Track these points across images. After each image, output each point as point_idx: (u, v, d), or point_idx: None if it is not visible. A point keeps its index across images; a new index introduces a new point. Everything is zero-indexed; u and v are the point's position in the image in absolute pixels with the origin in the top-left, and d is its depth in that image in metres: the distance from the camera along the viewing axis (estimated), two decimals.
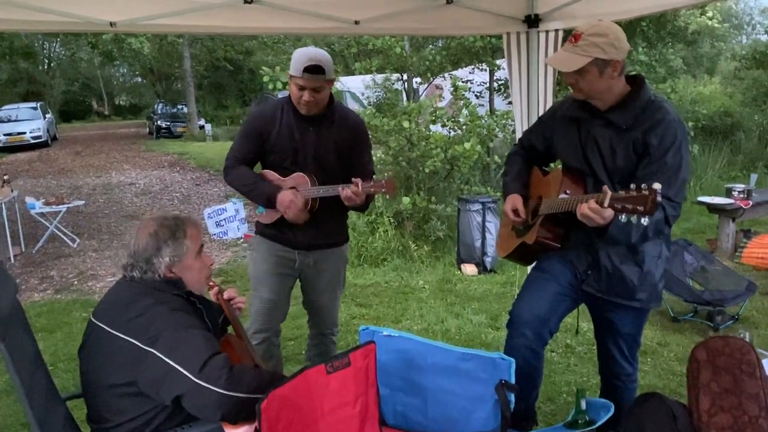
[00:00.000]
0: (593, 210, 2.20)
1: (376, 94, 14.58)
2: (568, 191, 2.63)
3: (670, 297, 4.97)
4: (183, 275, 2.13)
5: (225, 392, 1.85)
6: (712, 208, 6.56)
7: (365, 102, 14.57)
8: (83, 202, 9.72)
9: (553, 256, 2.72)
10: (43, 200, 8.56)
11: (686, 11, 11.89)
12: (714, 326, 4.68)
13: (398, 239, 6.98)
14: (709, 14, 16.80)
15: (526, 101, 3.78)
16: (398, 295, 5.86)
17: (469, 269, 6.45)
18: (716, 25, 14.46)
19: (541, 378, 2.76)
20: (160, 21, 2.71)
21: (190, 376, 1.85)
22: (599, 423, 2.38)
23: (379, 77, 13.73)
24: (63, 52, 36.40)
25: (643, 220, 2.04)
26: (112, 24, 2.62)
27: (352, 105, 14.09)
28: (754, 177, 6.72)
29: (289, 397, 1.85)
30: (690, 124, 9.07)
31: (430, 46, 8.61)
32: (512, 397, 1.99)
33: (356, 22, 3.21)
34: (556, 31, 3.66)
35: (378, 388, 2.14)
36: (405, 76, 9.37)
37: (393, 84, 12.80)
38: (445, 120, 7.19)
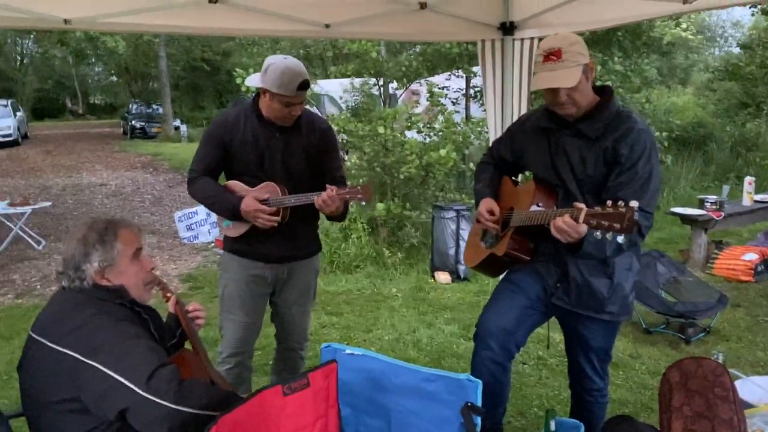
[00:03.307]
0: (568, 225, 2.14)
1: (354, 98, 14.51)
2: (540, 204, 2.58)
3: (642, 308, 4.95)
4: (121, 281, 2.01)
5: (173, 406, 1.73)
6: (685, 219, 6.57)
7: (343, 106, 14.48)
8: (50, 203, 9.47)
9: (523, 269, 2.66)
10: (8, 201, 8.32)
11: (661, 22, 12.03)
12: (685, 339, 4.65)
13: (372, 246, 6.89)
14: (684, 26, 17.02)
15: (500, 109, 3.72)
16: (370, 303, 5.76)
17: (443, 277, 6.38)
18: (690, 36, 14.66)
19: (509, 392, 2.68)
20: (119, 19, 2.58)
21: (136, 388, 1.74)
22: None
23: (357, 81, 13.68)
24: (36, 49, 35.72)
25: (618, 237, 1.98)
26: (66, 21, 2.48)
27: (330, 108, 13.97)
28: (726, 188, 6.76)
29: (241, 421, 1.74)
30: (664, 134, 9.12)
31: (406, 52, 8.54)
32: (478, 421, 1.91)
33: (327, 26, 3.12)
34: (531, 39, 3.61)
35: (339, 410, 2.04)
36: (381, 81, 9.29)
37: (371, 88, 12.75)
38: (421, 126, 7.12)
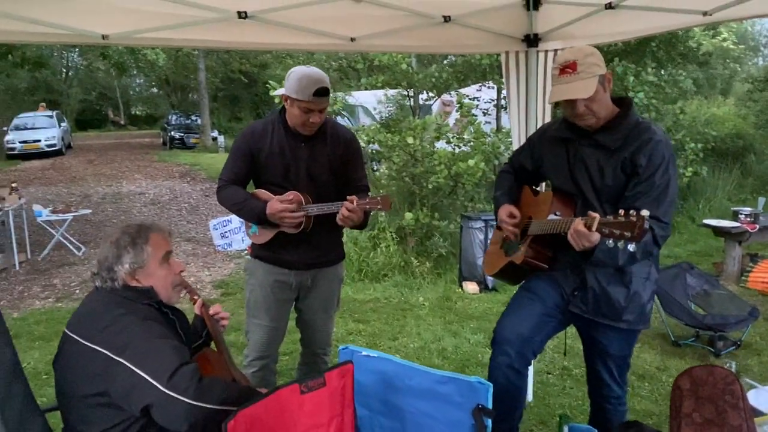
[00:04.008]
0: (580, 233, 2.19)
1: (389, 108, 14.62)
2: (558, 213, 2.61)
3: (672, 321, 4.90)
4: (150, 283, 2.12)
5: (193, 402, 1.83)
6: (718, 231, 6.48)
7: (377, 117, 14.62)
8: (90, 210, 9.80)
9: (541, 276, 2.70)
10: (51, 208, 8.64)
11: (700, 32, 11.86)
12: (715, 352, 4.60)
13: (400, 255, 6.95)
14: (724, 35, 16.68)
15: (525, 120, 3.75)
16: (397, 311, 5.83)
17: (471, 287, 6.40)
18: (731, 46, 14.37)
19: (525, 397, 2.72)
20: (153, 35, 2.72)
21: (159, 385, 1.84)
22: None
23: (392, 92, 13.79)
24: (81, 62, 36.86)
25: (630, 246, 2.01)
26: (104, 37, 2.63)
27: (364, 119, 14.09)
28: (761, 200, 6.62)
29: (259, 416, 1.82)
30: (699, 145, 8.99)
31: (437, 63, 8.61)
32: (489, 423, 1.95)
33: (352, 39, 3.21)
34: (555, 51, 3.64)
35: (355, 409, 2.11)
36: (412, 92, 9.37)
37: (403, 99, 12.83)
38: (450, 137, 7.18)
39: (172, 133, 25.96)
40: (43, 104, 27.27)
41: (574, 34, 3.51)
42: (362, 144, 7.59)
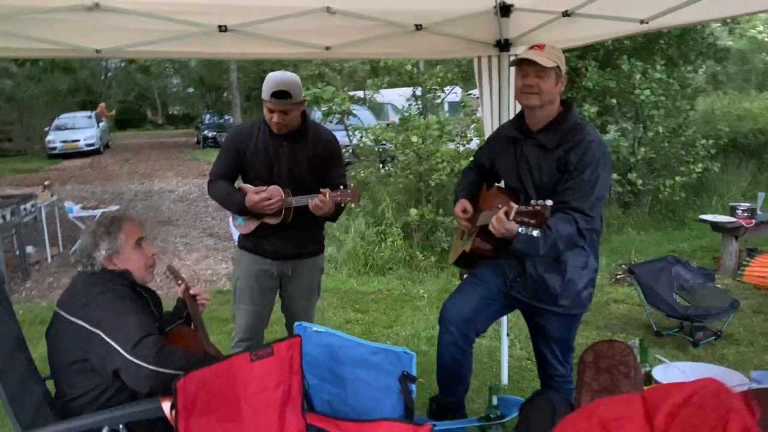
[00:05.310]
0: (499, 220, 2.45)
1: (417, 106, 14.91)
2: (500, 205, 2.87)
3: (654, 311, 5.08)
4: (126, 266, 2.46)
5: (154, 368, 2.16)
6: (715, 226, 6.58)
7: (406, 115, 14.94)
8: (118, 207, 10.30)
9: (488, 264, 2.96)
10: (81, 205, 9.15)
11: (722, 26, 11.82)
12: (693, 342, 4.76)
13: (405, 249, 7.23)
14: (759, 28, 16.40)
15: (497, 121, 3.97)
16: (397, 302, 6.10)
17: None
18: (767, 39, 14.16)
19: (470, 373, 2.98)
20: (142, 48, 3.05)
21: (124, 352, 2.18)
22: (509, 417, 2.59)
23: (419, 90, 14.05)
24: (119, 64, 37.99)
25: (534, 232, 2.28)
26: (97, 51, 2.98)
27: (394, 117, 14.40)
28: (761, 195, 6.69)
29: (210, 379, 2.13)
30: (710, 141, 9.04)
31: (440, 65, 8.84)
32: (413, 387, 2.23)
33: (327, 48, 3.50)
34: None
35: (305, 378, 2.40)
36: (420, 92, 9.63)
37: (434, 98, 13.10)
38: (453, 135, 7.42)
39: (205, 132, 26.64)
40: (103, 104, 28.29)
41: (540, 40, 3.73)
42: (370, 143, 7.90)
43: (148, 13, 2.88)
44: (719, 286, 6.01)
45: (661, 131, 8.67)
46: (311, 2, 3.18)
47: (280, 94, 3.07)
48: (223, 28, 3.13)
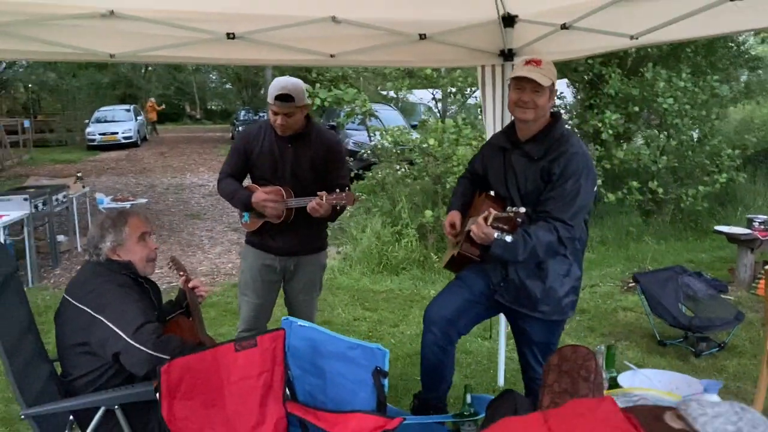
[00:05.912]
0: (478, 225, 2.56)
1: (451, 107, 15.04)
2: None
3: (659, 321, 5.11)
4: (129, 258, 2.65)
5: (151, 352, 2.35)
6: (730, 238, 6.55)
7: (438, 114, 15.08)
8: (146, 200, 10.65)
9: (474, 267, 3.07)
10: (112, 196, 9.50)
11: (754, 36, 11.63)
12: (695, 352, 4.78)
13: (420, 250, 7.35)
14: None
15: (500, 128, 4.08)
16: (406, 302, 6.23)
17: None
18: None
19: (452, 372, 3.10)
20: (154, 53, 3.25)
21: (125, 337, 2.37)
22: (482, 415, 2.70)
23: (452, 89, 14.14)
24: None
25: (508, 237, 2.39)
26: (111, 56, 3.19)
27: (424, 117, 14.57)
28: None
29: (194, 365, 2.30)
30: (737, 151, 8.94)
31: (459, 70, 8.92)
32: (385, 382, 2.37)
33: (332, 56, 3.65)
34: None
35: (288, 369, 2.55)
36: (439, 95, 9.73)
37: (467, 98, 13.20)
38: (470, 139, 7.51)
39: (240, 128, 27.10)
40: (152, 99, 29.03)
41: (540, 51, 3.82)
42: (388, 144, 8.03)
43: (160, 21, 3.07)
44: (730, 298, 6.00)
45: (684, 140, 8.62)
46: (317, 12, 3.34)
47: (284, 98, 3.24)
48: (231, 36, 3.30)
